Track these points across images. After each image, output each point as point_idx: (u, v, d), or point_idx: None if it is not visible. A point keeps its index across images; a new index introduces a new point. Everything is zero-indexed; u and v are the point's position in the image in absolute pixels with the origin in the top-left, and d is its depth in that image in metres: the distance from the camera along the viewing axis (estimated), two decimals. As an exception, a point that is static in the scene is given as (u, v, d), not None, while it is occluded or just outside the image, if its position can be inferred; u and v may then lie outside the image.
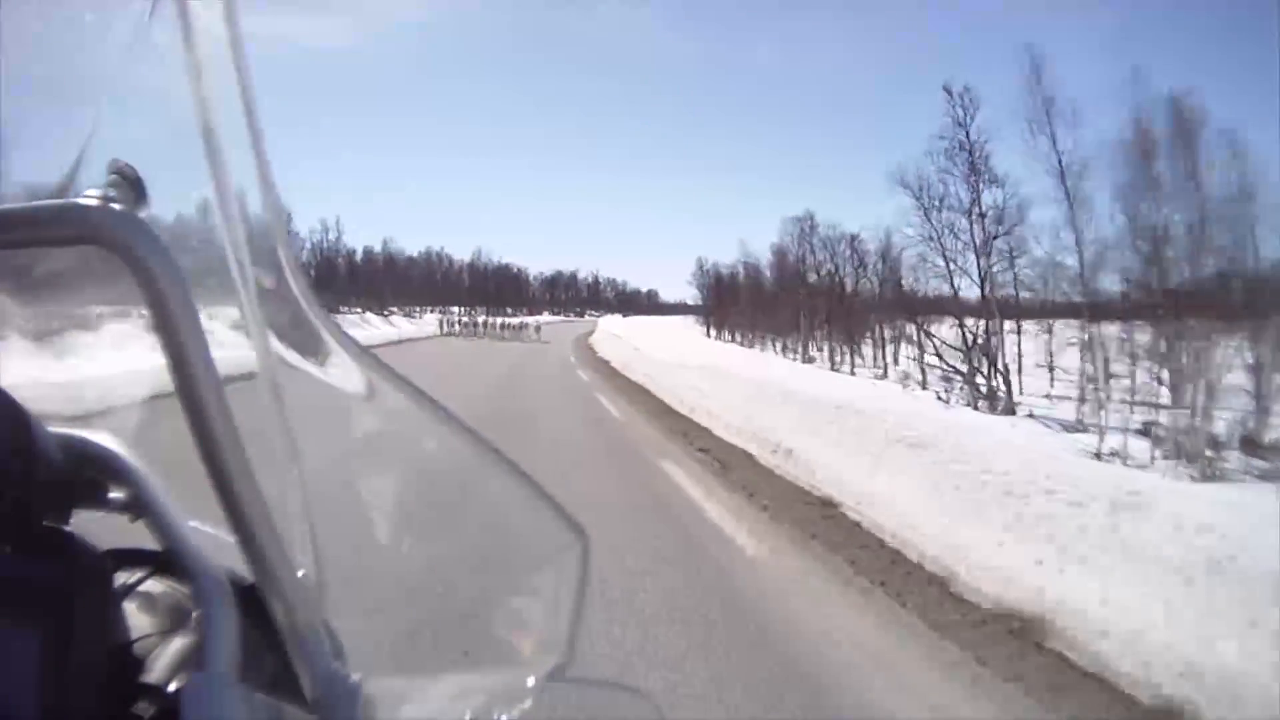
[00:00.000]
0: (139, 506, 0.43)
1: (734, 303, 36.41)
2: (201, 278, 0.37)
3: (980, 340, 15.47)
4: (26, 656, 0.32)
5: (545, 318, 62.52)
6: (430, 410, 0.44)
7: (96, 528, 0.41)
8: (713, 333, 37.11)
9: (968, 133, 16.16)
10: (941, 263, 16.88)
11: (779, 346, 28.53)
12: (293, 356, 0.42)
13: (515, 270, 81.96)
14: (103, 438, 0.44)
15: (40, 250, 0.38)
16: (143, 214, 0.35)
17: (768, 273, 33.20)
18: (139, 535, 0.44)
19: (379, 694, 0.43)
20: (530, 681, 0.46)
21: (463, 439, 0.45)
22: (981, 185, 16.07)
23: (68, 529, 0.39)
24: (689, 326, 40.66)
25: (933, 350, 17.12)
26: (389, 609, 0.54)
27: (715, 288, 41.90)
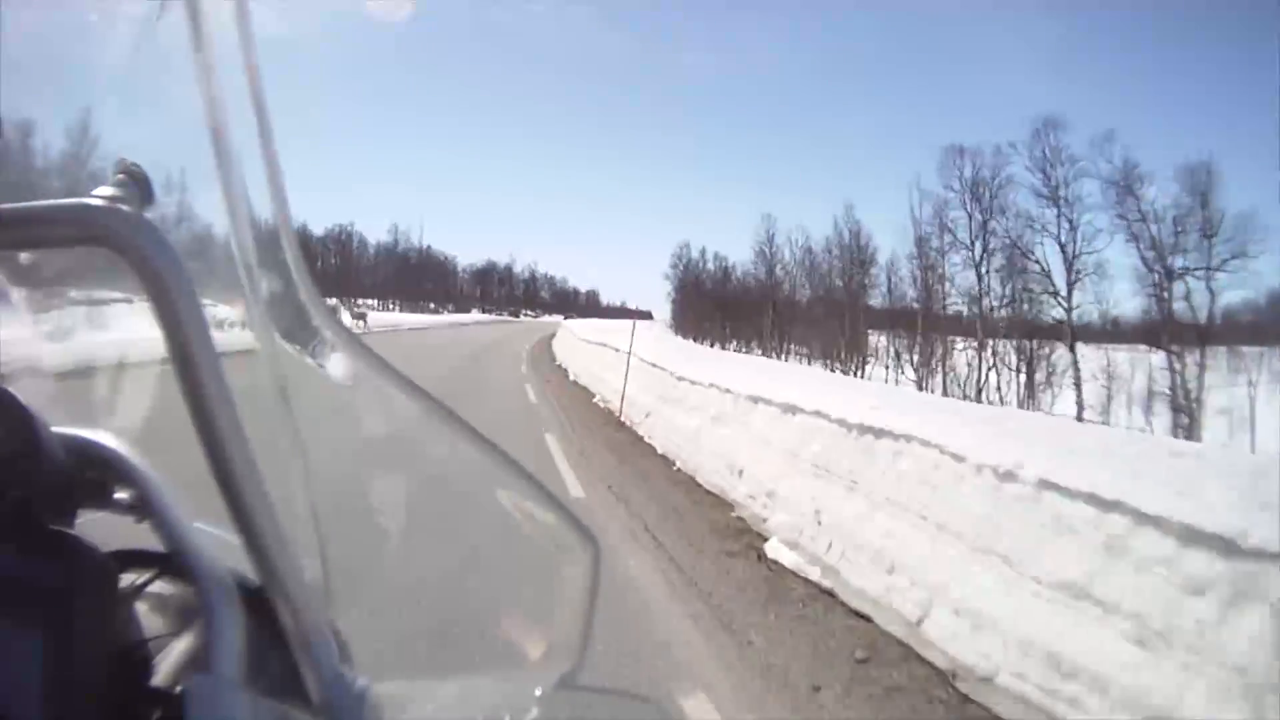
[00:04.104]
0: (144, 507, 0.43)
1: (761, 304, 32.13)
2: (208, 279, 0.37)
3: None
4: (30, 659, 0.31)
5: (475, 315, 54.33)
6: (441, 415, 0.44)
7: (101, 529, 0.41)
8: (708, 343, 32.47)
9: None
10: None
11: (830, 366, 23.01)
12: (299, 358, 0.42)
13: (442, 257, 68.79)
14: (107, 438, 0.44)
15: (48, 250, 0.38)
16: (150, 214, 0.35)
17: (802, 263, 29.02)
18: (144, 537, 0.44)
19: (386, 698, 0.42)
20: (539, 688, 0.45)
21: (474, 444, 0.45)
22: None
23: (72, 531, 0.38)
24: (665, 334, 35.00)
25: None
26: (397, 612, 0.53)
27: (720, 289, 38.43)
